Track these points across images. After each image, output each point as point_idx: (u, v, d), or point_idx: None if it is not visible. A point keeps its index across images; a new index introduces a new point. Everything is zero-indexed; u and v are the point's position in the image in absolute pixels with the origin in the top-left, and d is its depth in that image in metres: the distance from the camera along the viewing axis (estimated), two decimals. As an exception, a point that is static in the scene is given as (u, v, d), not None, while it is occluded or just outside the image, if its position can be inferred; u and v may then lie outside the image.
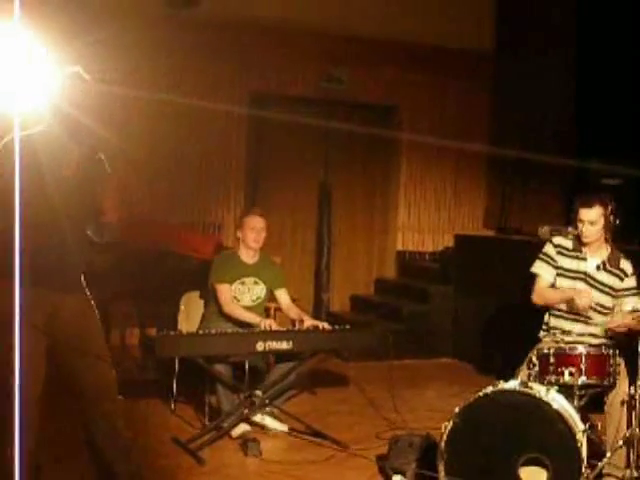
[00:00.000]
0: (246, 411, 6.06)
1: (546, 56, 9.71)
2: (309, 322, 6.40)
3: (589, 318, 5.39)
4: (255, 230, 6.47)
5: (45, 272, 4.12)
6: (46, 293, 4.15)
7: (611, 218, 5.38)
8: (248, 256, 6.56)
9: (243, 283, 6.52)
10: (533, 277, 5.58)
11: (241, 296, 6.50)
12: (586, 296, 5.33)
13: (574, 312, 5.38)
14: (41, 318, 4.14)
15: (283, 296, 6.69)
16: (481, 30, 10.58)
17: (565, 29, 9.65)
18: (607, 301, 5.43)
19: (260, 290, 6.59)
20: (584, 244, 5.45)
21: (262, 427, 6.27)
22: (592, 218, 5.36)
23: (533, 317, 5.62)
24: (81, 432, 4.39)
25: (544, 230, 8.16)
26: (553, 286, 5.50)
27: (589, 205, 5.37)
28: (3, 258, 3.86)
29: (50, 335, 4.20)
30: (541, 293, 5.51)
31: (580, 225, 5.39)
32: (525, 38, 10.14)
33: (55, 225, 4.16)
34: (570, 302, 5.36)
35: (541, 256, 5.57)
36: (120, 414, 4.41)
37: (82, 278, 4.39)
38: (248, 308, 6.46)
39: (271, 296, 6.72)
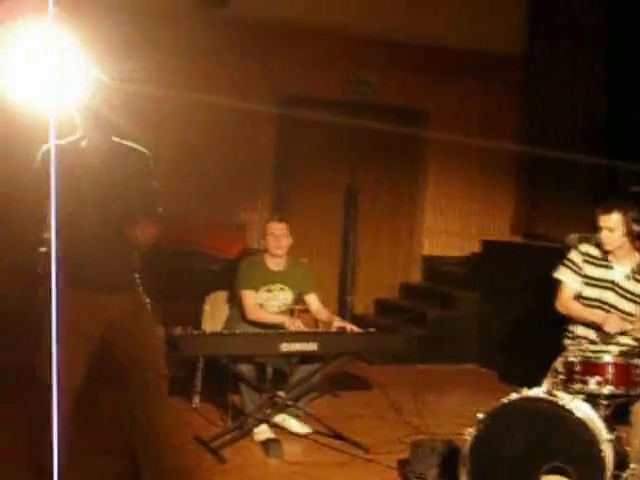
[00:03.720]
0: (268, 411, 6.06)
1: (576, 58, 9.66)
2: (338, 324, 6.37)
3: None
4: (275, 236, 6.41)
5: (95, 274, 4.16)
6: (95, 295, 4.18)
7: (633, 225, 5.32)
8: (274, 263, 6.51)
9: (270, 290, 6.47)
10: (557, 283, 5.53)
11: (268, 303, 6.46)
12: (615, 322, 5.25)
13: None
14: (90, 320, 4.16)
15: (313, 301, 6.64)
16: (510, 32, 10.53)
17: (596, 30, 9.58)
18: (634, 309, 5.37)
19: (286, 296, 6.55)
20: (607, 252, 5.39)
21: (284, 429, 6.26)
22: (610, 224, 5.30)
23: (559, 325, 5.57)
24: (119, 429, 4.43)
25: (572, 237, 8.09)
26: (579, 294, 5.45)
27: (607, 211, 5.32)
28: (69, 268, 3.92)
29: (99, 335, 4.23)
30: (566, 305, 5.45)
31: (599, 232, 5.35)
32: (555, 39, 10.09)
33: (105, 227, 4.19)
34: (597, 325, 5.31)
35: (565, 262, 5.50)
36: (162, 417, 4.42)
37: (136, 277, 4.42)
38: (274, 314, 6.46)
39: (297, 298, 6.70)
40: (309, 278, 6.70)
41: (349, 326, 6.37)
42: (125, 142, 4.38)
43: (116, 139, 4.33)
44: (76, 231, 4.14)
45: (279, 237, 6.42)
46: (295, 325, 6.15)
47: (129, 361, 4.29)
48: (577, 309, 5.44)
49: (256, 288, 6.42)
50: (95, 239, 4.17)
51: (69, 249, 4.11)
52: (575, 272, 5.45)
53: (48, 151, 4.00)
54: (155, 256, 7.76)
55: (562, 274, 5.49)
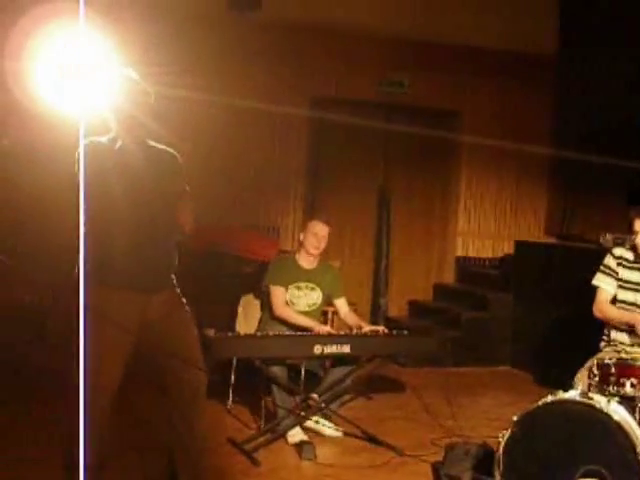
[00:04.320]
0: (302, 414, 6.06)
1: (610, 58, 9.58)
2: (367, 329, 6.37)
3: None
4: (317, 237, 6.40)
5: (134, 274, 4.19)
6: (134, 294, 4.20)
7: None
8: (307, 261, 6.51)
9: (299, 288, 6.48)
10: (594, 289, 5.51)
11: (297, 300, 6.47)
12: None
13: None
14: (129, 319, 4.18)
15: (342, 305, 6.64)
16: (543, 32, 10.49)
17: (629, 30, 9.50)
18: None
19: (317, 296, 6.54)
20: None
21: (317, 432, 6.26)
22: None
23: (593, 326, 5.54)
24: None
25: (607, 238, 8.05)
26: (614, 298, 5.43)
27: None
28: (98, 265, 3.95)
29: (137, 335, 4.25)
30: (602, 308, 5.44)
31: (634, 236, 5.32)
32: (588, 39, 10.01)
33: (146, 228, 4.22)
34: (632, 326, 5.28)
35: (602, 268, 5.50)
36: (200, 419, 4.43)
37: (173, 277, 4.45)
38: (303, 313, 6.43)
39: (329, 300, 6.69)
40: (339, 282, 6.69)
41: (380, 328, 6.37)
42: (157, 144, 4.40)
43: (148, 141, 4.35)
44: (114, 232, 4.16)
45: (320, 238, 6.41)
46: (322, 330, 6.15)
47: (167, 362, 4.31)
48: (613, 312, 5.42)
49: (285, 285, 6.42)
50: (133, 240, 4.19)
51: (108, 249, 4.14)
52: (611, 277, 5.44)
53: (85, 152, 4.02)
54: (190, 259, 7.83)
55: (599, 281, 5.49)
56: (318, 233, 6.40)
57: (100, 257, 4.04)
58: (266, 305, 6.55)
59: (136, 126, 4.24)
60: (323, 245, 6.45)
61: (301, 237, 6.53)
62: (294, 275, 6.46)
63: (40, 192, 7.72)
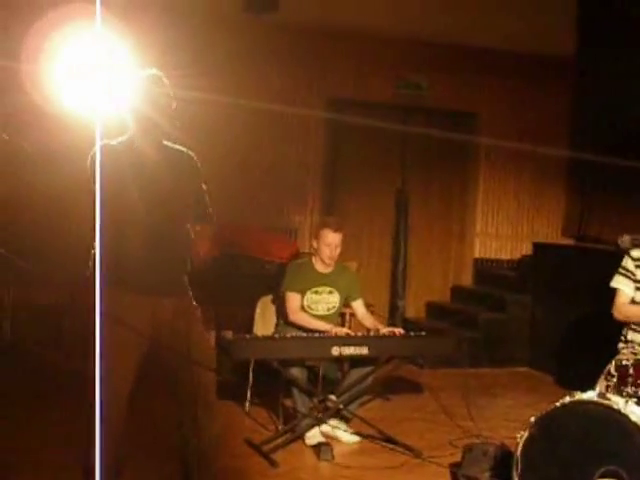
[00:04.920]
0: (319, 415, 6.06)
1: (629, 59, 9.54)
2: (384, 330, 6.36)
3: None
4: (330, 247, 6.33)
5: (144, 277, 4.19)
6: (144, 297, 4.20)
7: None
8: (323, 266, 6.47)
9: (317, 292, 6.45)
10: (613, 291, 5.50)
11: (315, 305, 6.45)
12: None
13: None
14: (140, 322, 4.19)
15: (359, 307, 6.62)
16: (561, 34, 10.43)
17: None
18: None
19: (335, 299, 6.52)
20: None
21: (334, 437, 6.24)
22: None
23: (611, 328, 5.53)
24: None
25: (624, 240, 8.03)
26: (633, 300, 5.41)
27: None
28: (111, 267, 3.95)
29: (149, 338, 4.26)
30: (621, 309, 5.43)
31: None
32: (607, 40, 9.97)
33: (161, 230, 4.22)
34: None
35: (620, 270, 5.49)
36: (212, 421, 4.43)
37: (185, 279, 4.45)
38: (322, 317, 6.42)
39: (346, 302, 6.69)
40: (356, 284, 6.68)
41: (397, 330, 6.37)
42: (173, 145, 4.41)
43: (165, 142, 4.36)
44: (128, 233, 4.17)
45: (334, 248, 6.35)
46: (338, 333, 6.14)
47: (179, 364, 4.31)
48: (633, 310, 5.41)
49: (302, 291, 6.40)
50: (147, 241, 4.20)
51: (121, 251, 4.15)
52: (629, 279, 5.43)
53: (100, 154, 4.02)
54: (207, 261, 7.86)
55: (618, 282, 5.47)
56: (331, 243, 6.33)
57: (112, 259, 4.03)
58: (281, 310, 6.56)
59: (153, 128, 4.25)
60: (338, 252, 6.39)
61: (314, 244, 6.49)
62: (311, 280, 6.44)
63: (56, 192, 7.76)
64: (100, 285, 3.59)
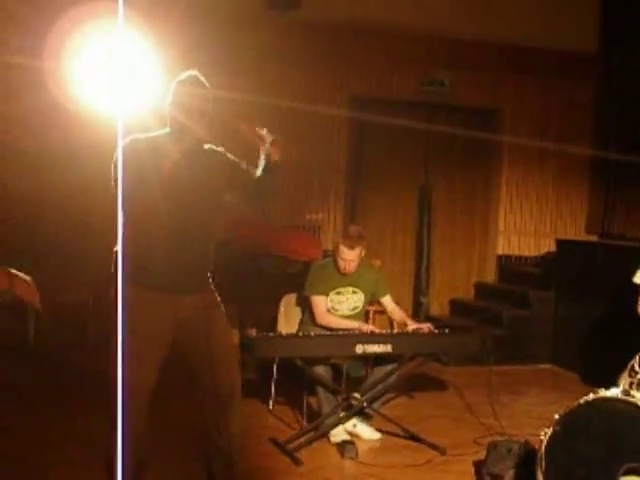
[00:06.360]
0: (343, 414, 6.07)
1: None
2: (413, 325, 6.35)
3: None
4: (345, 261, 6.28)
5: (166, 276, 4.18)
6: (165, 296, 4.20)
7: None
8: None
9: (340, 293, 6.43)
10: (637, 287, 5.48)
11: (339, 306, 6.43)
12: None
13: None
14: (162, 321, 4.20)
15: (388, 302, 6.58)
16: (584, 29, 10.41)
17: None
18: None
19: (358, 299, 6.49)
20: None
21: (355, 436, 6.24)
22: None
23: (635, 325, 5.51)
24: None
25: (649, 236, 8.00)
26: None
27: None
28: (135, 265, 3.97)
29: (172, 337, 4.27)
30: None
31: None
32: (631, 36, 9.92)
33: (187, 229, 4.22)
34: None
35: (642, 266, 5.48)
36: (236, 419, 4.43)
37: (209, 277, 4.45)
38: (346, 317, 6.41)
39: (374, 299, 6.68)
40: (382, 281, 6.65)
41: (426, 325, 6.35)
42: (204, 145, 4.41)
43: (196, 142, 4.34)
44: (152, 232, 4.17)
45: (349, 262, 6.29)
46: (366, 329, 6.14)
47: (201, 363, 4.32)
48: None
49: (326, 293, 6.39)
50: (173, 241, 4.19)
51: (144, 250, 4.15)
52: (652, 275, 5.41)
53: (124, 153, 3.99)
54: (232, 259, 7.88)
55: (639, 278, 5.45)
56: (345, 258, 6.28)
57: (135, 257, 4.03)
58: (306, 308, 6.57)
59: (184, 127, 4.23)
60: (354, 265, 6.29)
61: (336, 242, 6.49)
62: (334, 282, 6.41)
63: (77, 190, 7.80)
64: (122, 284, 3.60)
